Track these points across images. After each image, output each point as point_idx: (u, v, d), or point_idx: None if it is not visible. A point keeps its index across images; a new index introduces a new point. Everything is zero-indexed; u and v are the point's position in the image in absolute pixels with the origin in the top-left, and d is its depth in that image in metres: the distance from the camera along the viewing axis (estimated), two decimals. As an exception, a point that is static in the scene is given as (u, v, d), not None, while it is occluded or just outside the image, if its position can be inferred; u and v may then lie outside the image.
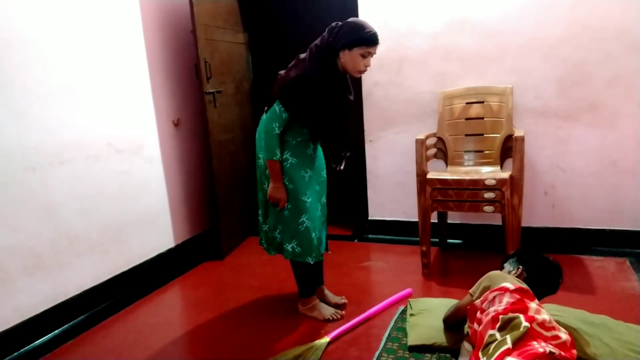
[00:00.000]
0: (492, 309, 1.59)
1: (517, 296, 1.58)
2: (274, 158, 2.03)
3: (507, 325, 1.49)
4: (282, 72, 2.07)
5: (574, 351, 1.50)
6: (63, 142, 2.37)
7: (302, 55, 2.05)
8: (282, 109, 1.98)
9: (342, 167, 2.25)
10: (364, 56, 1.97)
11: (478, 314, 1.64)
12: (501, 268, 1.96)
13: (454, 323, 1.90)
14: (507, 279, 1.70)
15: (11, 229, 2.14)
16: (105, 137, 2.61)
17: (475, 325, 1.64)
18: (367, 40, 1.94)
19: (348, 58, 1.97)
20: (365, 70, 2.03)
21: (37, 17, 2.24)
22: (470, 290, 1.79)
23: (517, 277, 1.80)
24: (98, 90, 2.56)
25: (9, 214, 2.13)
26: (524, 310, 1.53)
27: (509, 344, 1.42)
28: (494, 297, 1.62)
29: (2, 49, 2.10)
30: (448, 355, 1.85)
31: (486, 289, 1.70)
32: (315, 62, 1.98)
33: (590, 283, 2.41)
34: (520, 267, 1.86)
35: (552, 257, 1.91)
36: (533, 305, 1.57)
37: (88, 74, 2.50)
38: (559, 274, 1.87)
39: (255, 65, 3.67)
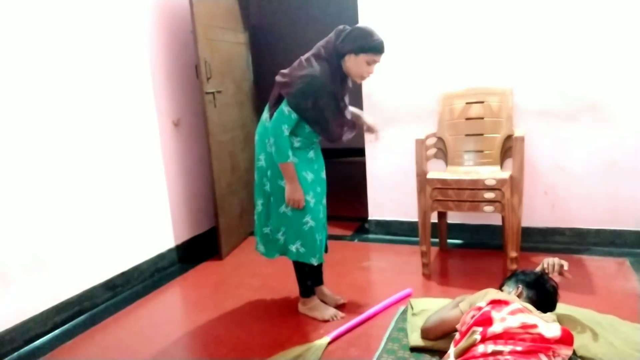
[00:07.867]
0: (464, 327, 1.63)
1: (488, 308, 1.60)
2: (287, 160, 2.00)
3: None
4: (284, 71, 2.04)
5: (557, 345, 1.49)
6: (63, 141, 2.37)
7: (306, 56, 2.04)
8: (291, 109, 1.96)
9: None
10: (369, 63, 1.98)
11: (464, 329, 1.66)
12: (501, 289, 1.92)
13: (439, 337, 1.86)
14: (488, 294, 1.72)
15: (11, 229, 2.14)
16: (105, 136, 2.61)
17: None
18: (375, 48, 1.95)
19: (353, 63, 1.98)
20: (367, 77, 2.04)
21: (38, 17, 2.24)
22: (461, 307, 1.78)
23: (517, 296, 1.78)
24: (98, 90, 2.56)
25: (9, 214, 2.13)
26: (485, 323, 1.54)
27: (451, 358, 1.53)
28: (471, 316, 1.64)
29: (2, 48, 2.10)
30: (448, 355, 1.85)
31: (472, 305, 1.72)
32: (322, 63, 1.98)
33: (590, 283, 2.41)
34: (520, 286, 1.85)
35: (551, 277, 1.89)
36: (497, 315, 1.55)
37: (88, 73, 2.50)
38: (555, 292, 1.86)
39: (255, 65, 3.67)
